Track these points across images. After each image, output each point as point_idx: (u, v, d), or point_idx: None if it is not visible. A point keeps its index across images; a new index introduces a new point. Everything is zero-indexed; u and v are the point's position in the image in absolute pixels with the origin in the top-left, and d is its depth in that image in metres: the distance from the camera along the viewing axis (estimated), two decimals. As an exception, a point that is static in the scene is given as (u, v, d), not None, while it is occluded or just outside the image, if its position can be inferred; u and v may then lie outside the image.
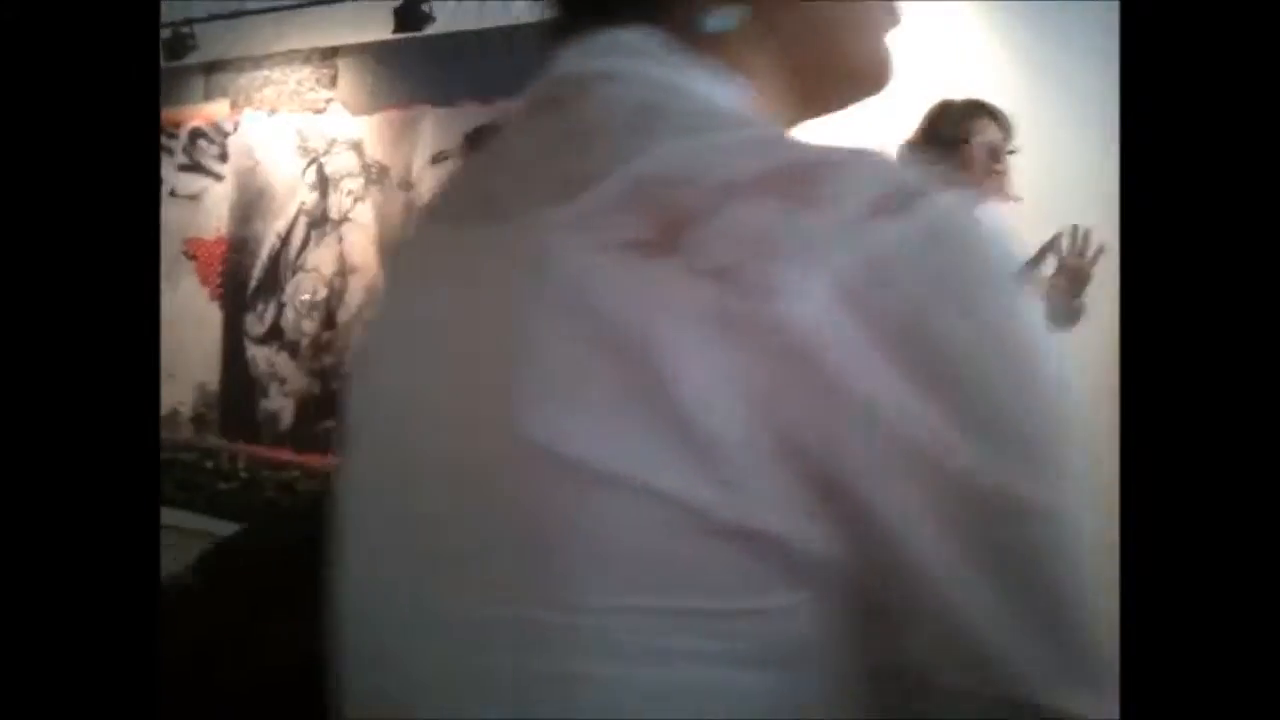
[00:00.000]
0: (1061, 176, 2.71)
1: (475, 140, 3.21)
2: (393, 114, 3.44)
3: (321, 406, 3.53)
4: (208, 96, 3.86)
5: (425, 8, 3.19)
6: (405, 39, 3.28)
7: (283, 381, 3.62)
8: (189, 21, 3.64)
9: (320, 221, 3.59)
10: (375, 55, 3.47)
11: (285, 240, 3.65)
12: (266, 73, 3.70)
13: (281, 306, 3.65)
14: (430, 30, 3.22)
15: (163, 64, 3.52)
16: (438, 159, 3.33)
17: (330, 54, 3.58)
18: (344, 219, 3.54)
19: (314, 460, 3.50)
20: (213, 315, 3.80)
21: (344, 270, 3.53)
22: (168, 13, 3.49)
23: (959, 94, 2.74)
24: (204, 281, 3.84)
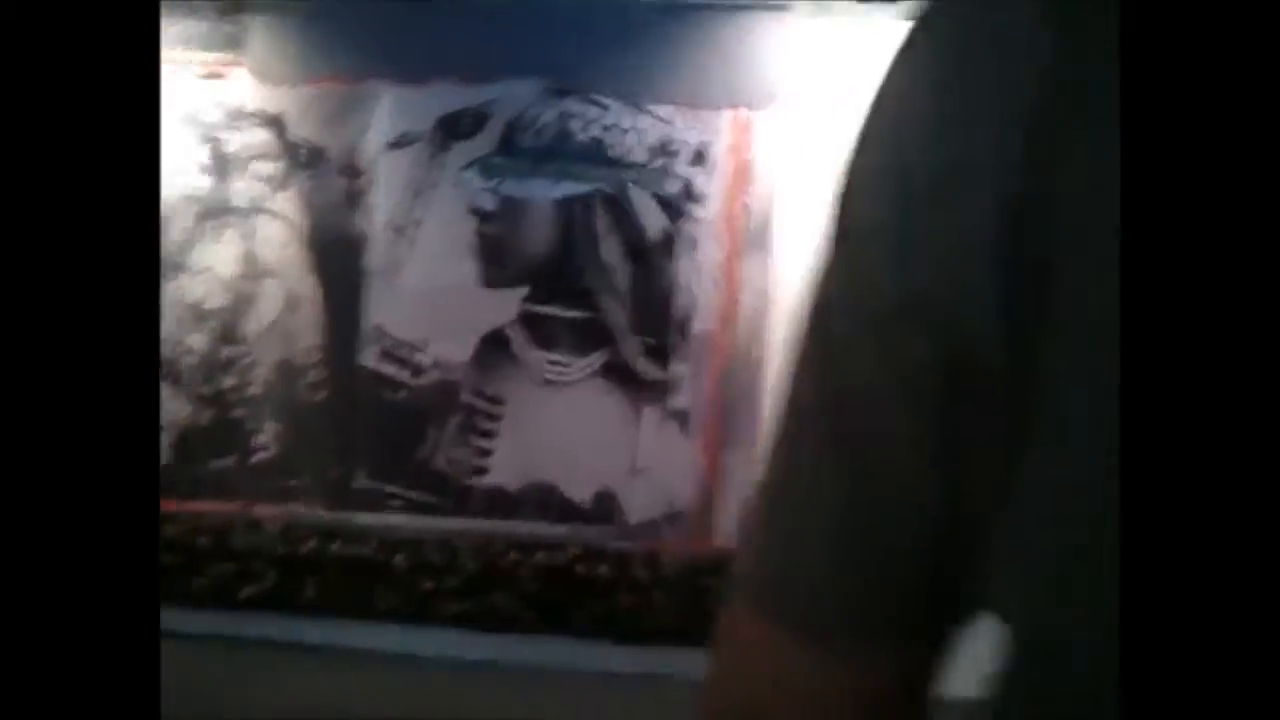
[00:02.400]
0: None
1: (451, 126, 2.84)
2: (331, 87, 2.86)
3: (214, 441, 2.87)
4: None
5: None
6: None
7: (153, 410, 3.12)
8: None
9: (217, 211, 2.90)
10: (305, 14, 2.89)
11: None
12: (151, 21, 3.35)
13: (151, 315, 3.27)
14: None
15: None
16: (400, 142, 2.85)
17: (234, 7, 2.89)
18: (256, 209, 2.89)
19: (204, 509, 2.83)
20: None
21: (254, 272, 2.87)
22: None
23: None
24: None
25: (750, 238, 2.79)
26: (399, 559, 2.79)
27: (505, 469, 2.84)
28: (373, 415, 2.86)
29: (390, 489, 2.84)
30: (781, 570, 0.65)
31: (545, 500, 2.83)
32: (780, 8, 2.80)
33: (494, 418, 2.85)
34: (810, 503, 0.61)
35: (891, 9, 2.78)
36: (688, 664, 0.99)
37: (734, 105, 2.77)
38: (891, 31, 2.82)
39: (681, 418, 2.81)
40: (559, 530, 2.82)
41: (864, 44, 2.84)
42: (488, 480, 2.84)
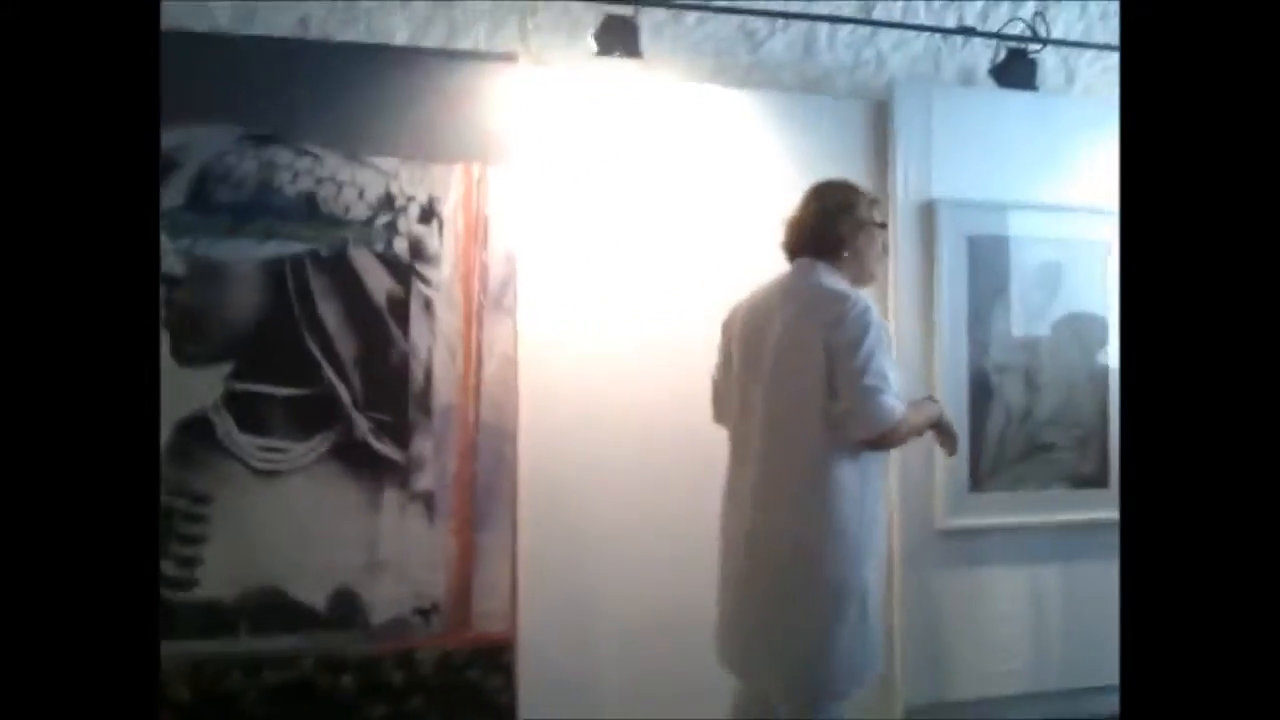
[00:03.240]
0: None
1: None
2: None
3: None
4: None
5: None
6: None
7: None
8: None
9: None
10: None
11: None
12: None
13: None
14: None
15: None
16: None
17: None
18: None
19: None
20: None
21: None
22: None
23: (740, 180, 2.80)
24: None
25: (490, 299, 2.60)
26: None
27: (218, 578, 2.42)
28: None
29: (68, 619, 2.31)
30: None
31: (270, 608, 2.44)
32: (508, 57, 2.65)
33: (199, 519, 2.42)
34: None
35: (625, 63, 2.74)
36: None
37: (464, 158, 2.57)
38: (626, 82, 2.82)
39: (427, 500, 2.55)
40: (290, 641, 2.44)
41: (597, 96, 2.77)
42: (199, 593, 2.40)
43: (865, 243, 2.14)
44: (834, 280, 2.11)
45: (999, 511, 3.04)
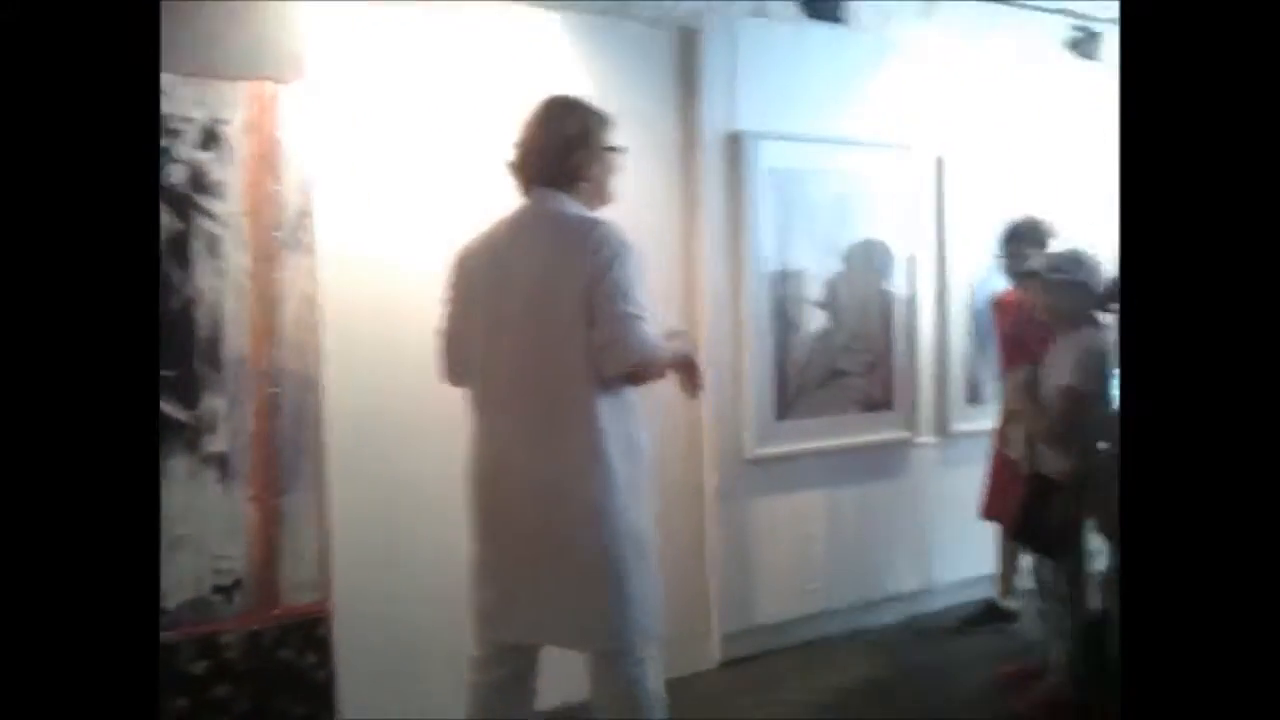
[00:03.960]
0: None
1: None
2: None
3: None
4: None
5: None
6: None
7: None
8: None
9: None
10: None
11: None
12: None
13: None
14: None
15: None
16: None
17: None
18: None
19: None
20: None
21: None
22: None
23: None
24: None
25: (285, 234, 2.31)
26: None
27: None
28: None
29: None
30: None
31: (35, 603, 2.07)
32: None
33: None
34: None
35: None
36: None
37: (253, 75, 2.24)
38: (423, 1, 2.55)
39: (220, 463, 2.25)
40: (62, 638, 2.09)
41: (398, 13, 2.50)
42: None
43: (603, 171, 2.00)
44: (578, 208, 1.96)
45: (803, 438, 3.14)
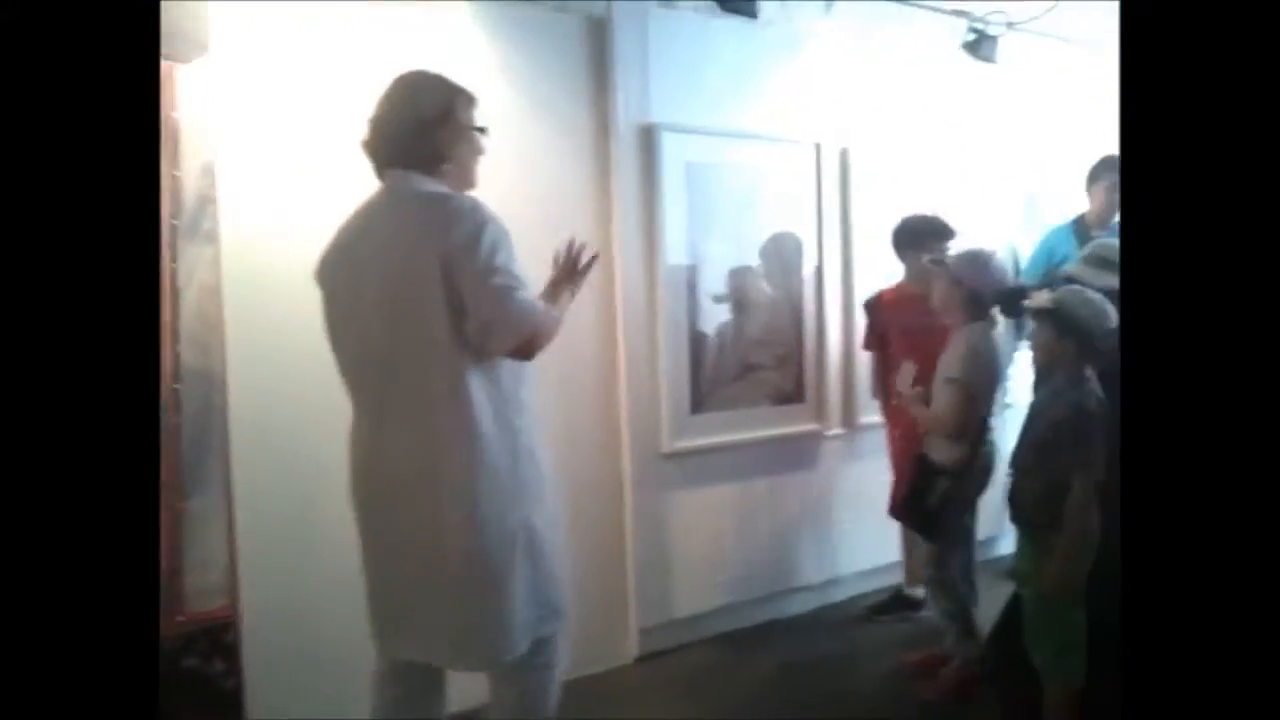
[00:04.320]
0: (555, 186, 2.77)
1: None
2: None
3: None
4: None
5: None
6: None
7: None
8: None
9: None
10: None
11: None
12: None
13: None
14: None
15: None
16: None
17: None
18: None
19: None
20: None
21: None
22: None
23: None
24: None
25: (185, 221, 2.19)
26: None
27: None
28: None
29: None
30: None
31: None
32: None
33: None
34: None
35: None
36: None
37: (147, 51, 2.12)
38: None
39: (117, 464, 2.12)
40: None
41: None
42: None
43: (467, 151, 1.88)
44: (433, 186, 1.83)
45: (716, 431, 3.14)
